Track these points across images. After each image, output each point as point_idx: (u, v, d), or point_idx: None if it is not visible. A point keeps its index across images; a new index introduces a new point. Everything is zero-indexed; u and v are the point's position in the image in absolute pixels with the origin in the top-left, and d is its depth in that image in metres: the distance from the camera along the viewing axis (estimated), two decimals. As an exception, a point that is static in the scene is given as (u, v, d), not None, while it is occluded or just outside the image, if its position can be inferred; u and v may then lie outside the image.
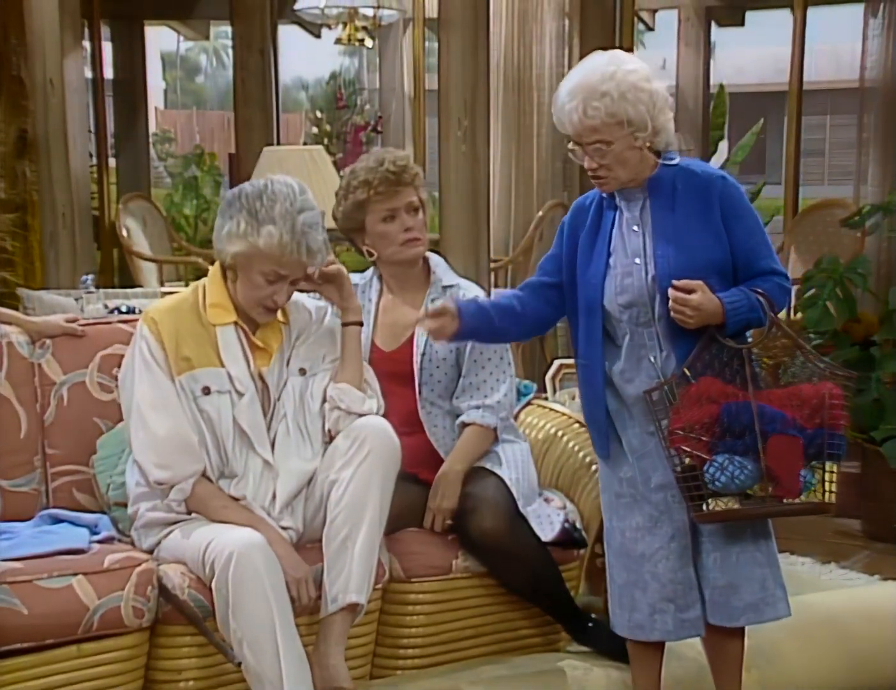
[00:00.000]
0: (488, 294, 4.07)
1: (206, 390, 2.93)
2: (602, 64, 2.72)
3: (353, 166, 3.37)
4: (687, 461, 2.69)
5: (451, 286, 3.34)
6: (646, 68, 2.74)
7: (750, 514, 2.71)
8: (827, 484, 2.68)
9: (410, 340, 3.30)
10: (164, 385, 2.92)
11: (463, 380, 3.29)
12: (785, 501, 2.67)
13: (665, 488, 2.79)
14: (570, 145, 2.77)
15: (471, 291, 3.34)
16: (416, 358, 3.27)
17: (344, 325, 3.09)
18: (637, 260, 2.76)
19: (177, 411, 2.91)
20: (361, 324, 3.12)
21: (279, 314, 3.04)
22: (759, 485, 2.65)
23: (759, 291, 2.72)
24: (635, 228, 2.78)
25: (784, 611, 2.83)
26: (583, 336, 2.84)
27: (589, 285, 2.80)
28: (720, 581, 2.78)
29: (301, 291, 3.07)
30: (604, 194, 2.83)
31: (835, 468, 2.69)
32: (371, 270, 3.43)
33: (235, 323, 2.98)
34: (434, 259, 3.40)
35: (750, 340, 2.79)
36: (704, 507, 2.68)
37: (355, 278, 3.43)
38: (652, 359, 2.75)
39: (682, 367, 2.69)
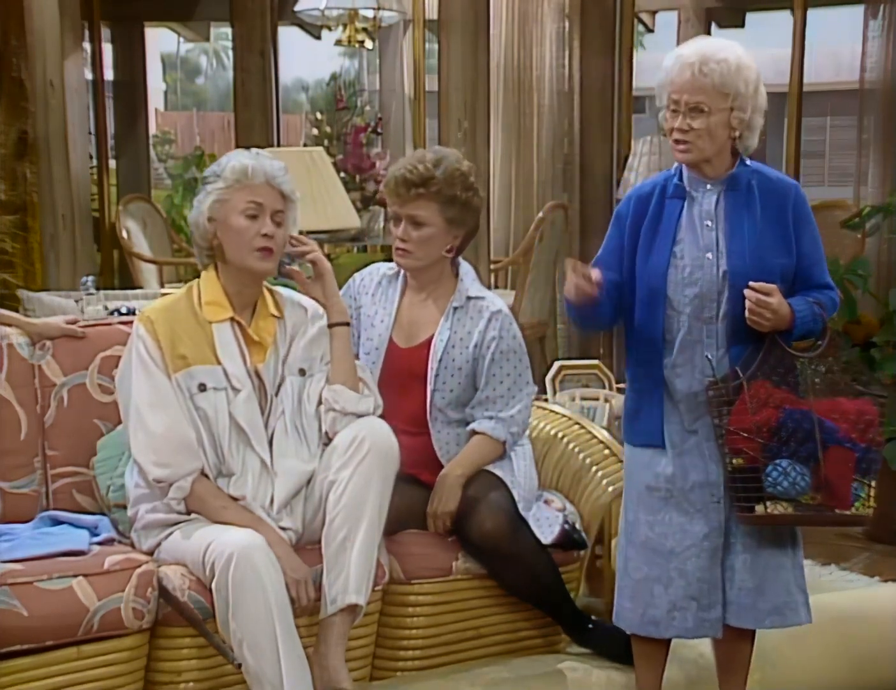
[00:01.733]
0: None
1: (203, 387, 2.93)
2: (723, 41, 2.79)
3: (414, 151, 3.37)
4: (735, 461, 2.70)
5: (475, 297, 3.30)
6: (756, 66, 2.78)
7: (802, 520, 2.75)
8: (871, 499, 2.75)
9: (428, 341, 3.28)
10: (162, 384, 2.92)
11: (479, 393, 3.27)
12: (836, 511, 2.70)
13: (704, 486, 2.79)
14: (665, 105, 2.76)
15: (495, 303, 3.31)
16: (433, 364, 3.25)
17: (329, 326, 3.09)
18: (709, 255, 2.76)
19: (174, 409, 2.91)
20: (348, 324, 3.10)
21: (271, 305, 3.04)
22: (811, 494, 2.68)
23: (819, 302, 2.76)
24: (709, 223, 2.78)
25: (806, 617, 2.86)
26: (641, 326, 2.82)
27: (652, 274, 2.79)
28: (748, 583, 2.79)
29: (288, 286, 3.08)
30: (670, 182, 2.82)
31: (873, 483, 2.75)
32: None
33: (231, 319, 2.99)
34: (464, 267, 3.37)
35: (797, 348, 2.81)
36: (759, 509, 2.69)
37: (383, 267, 3.41)
38: (709, 356, 2.75)
39: (741, 368, 2.70)
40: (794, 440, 2.67)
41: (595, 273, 2.75)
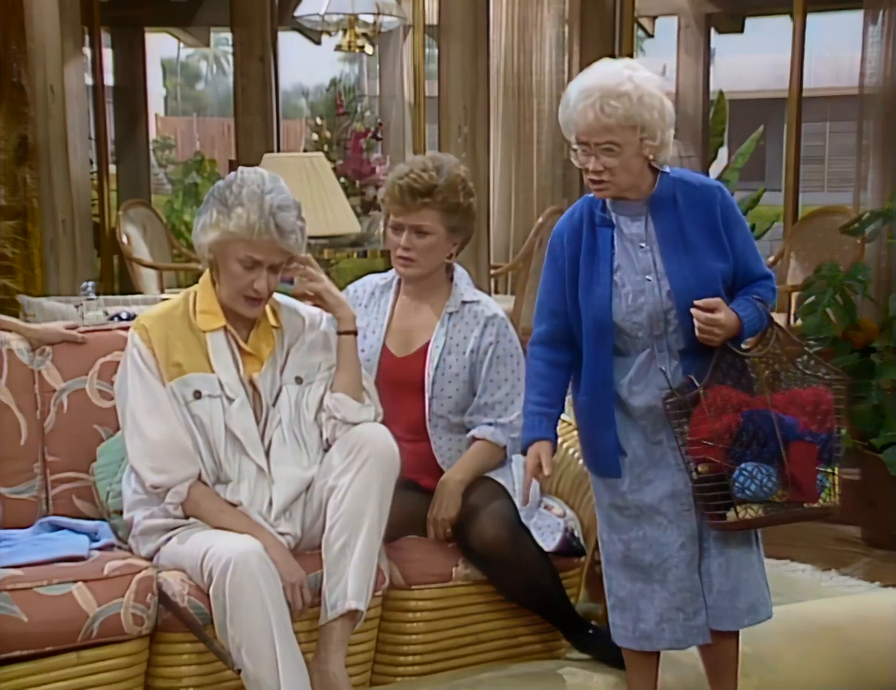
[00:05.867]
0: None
1: (198, 394, 2.93)
2: (618, 67, 2.72)
3: (412, 157, 3.34)
4: (700, 469, 2.69)
5: (470, 302, 3.30)
6: (658, 80, 2.73)
7: (775, 520, 2.74)
8: (836, 487, 2.73)
9: (424, 349, 3.27)
10: (157, 391, 2.92)
11: (478, 399, 3.26)
12: (804, 505, 2.71)
13: (673, 496, 2.78)
14: (574, 145, 2.73)
15: (490, 307, 3.30)
16: (429, 371, 3.25)
17: (339, 334, 3.09)
18: (649, 277, 2.74)
19: (170, 415, 2.91)
20: (356, 333, 3.10)
21: (271, 318, 3.04)
22: (780, 492, 2.68)
23: (759, 298, 2.76)
24: (643, 244, 2.76)
25: (772, 612, 2.86)
26: (591, 358, 2.79)
27: (596, 305, 2.76)
28: (725, 586, 2.79)
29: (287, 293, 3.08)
30: (594, 210, 2.80)
31: (836, 470, 2.74)
32: (394, 271, 3.37)
33: (225, 329, 2.99)
34: (458, 272, 3.35)
35: (745, 347, 2.80)
36: (731, 515, 2.68)
37: (376, 277, 3.41)
38: (663, 369, 2.74)
39: (693, 378, 2.69)
40: (757, 442, 2.66)
41: (548, 465, 2.81)
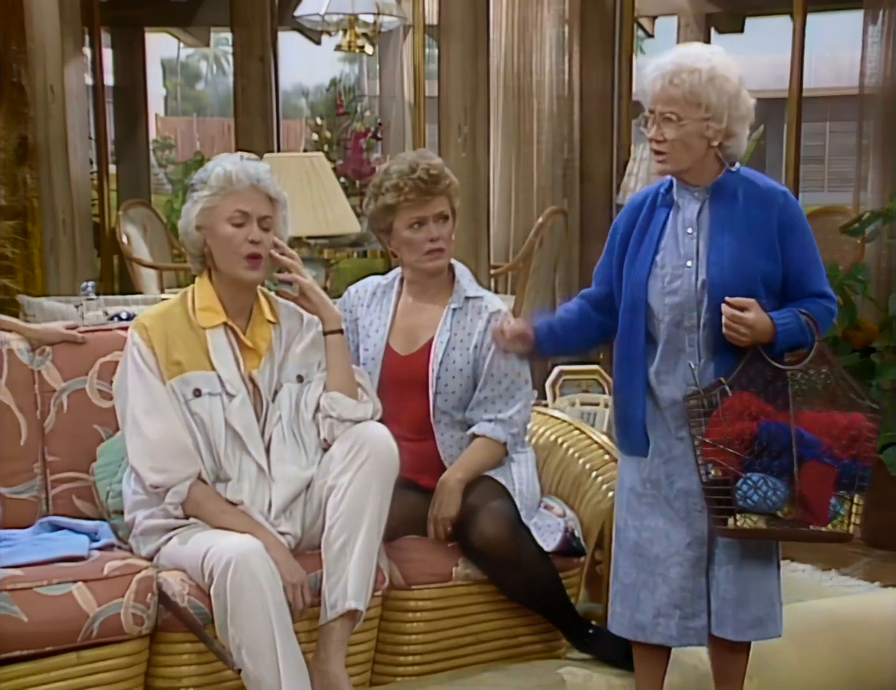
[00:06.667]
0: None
1: (198, 393, 2.94)
2: (702, 49, 2.78)
3: (386, 165, 3.33)
4: (714, 472, 2.68)
5: (473, 298, 3.31)
6: (740, 72, 2.75)
7: (775, 536, 2.72)
8: (854, 516, 2.69)
9: (427, 346, 3.28)
10: (157, 390, 2.92)
11: (478, 394, 3.27)
12: (811, 527, 2.67)
13: (688, 494, 2.79)
14: (645, 113, 2.78)
15: (493, 303, 3.31)
16: (433, 367, 3.25)
17: (324, 334, 3.08)
18: (689, 263, 2.75)
19: (170, 415, 2.91)
20: (342, 331, 3.08)
21: (267, 312, 3.04)
22: (787, 508, 2.65)
23: (808, 314, 2.72)
24: (690, 230, 2.77)
25: (780, 629, 2.84)
26: (625, 334, 2.83)
27: (634, 282, 2.80)
28: (730, 594, 2.78)
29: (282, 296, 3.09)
30: (662, 191, 2.82)
31: (860, 500, 2.69)
32: (396, 270, 3.40)
33: (225, 324, 2.99)
34: (459, 268, 3.37)
35: (786, 360, 2.77)
36: (731, 522, 2.67)
37: (377, 278, 3.42)
38: (692, 366, 2.74)
39: (722, 379, 2.68)
40: (768, 454, 2.63)
41: (522, 332, 2.91)
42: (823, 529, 2.67)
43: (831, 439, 2.65)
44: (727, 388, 2.66)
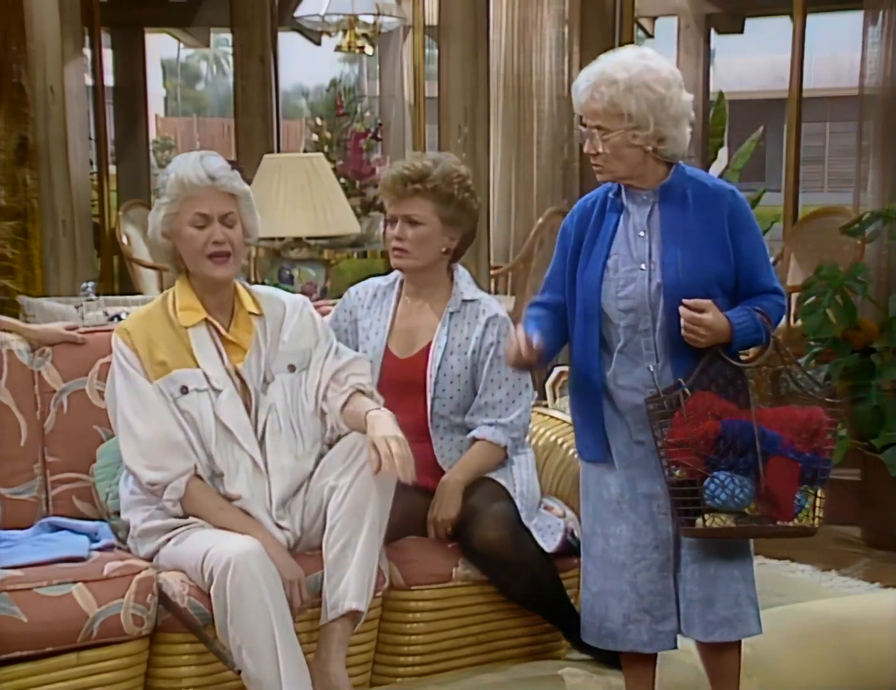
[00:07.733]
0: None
1: (185, 390, 2.94)
2: (627, 56, 2.74)
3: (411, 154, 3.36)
4: (679, 473, 2.67)
5: (471, 301, 3.31)
6: (669, 74, 2.71)
7: (744, 533, 2.71)
8: (818, 509, 2.67)
9: (426, 349, 3.28)
10: (145, 390, 2.93)
11: (478, 399, 3.27)
12: (778, 523, 2.66)
13: (651, 498, 2.78)
14: (577, 124, 2.77)
15: (491, 307, 3.31)
16: (431, 371, 3.25)
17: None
18: (642, 266, 2.74)
19: (160, 412, 2.92)
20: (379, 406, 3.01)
21: (250, 305, 3.04)
22: (754, 504, 2.64)
23: (761, 310, 2.72)
24: (642, 233, 2.76)
25: (756, 629, 2.81)
26: (579, 340, 2.81)
27: (586, 287, 2.78)
28: (697, 595, 2.77)
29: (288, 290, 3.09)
30: (611, 195, 2.81)
31: (823, 494, 2.69)
32: (397, 272, 3.38)
33: (206, 321, 3.00)
34: (459, 271, 3.37)
35: (743, 358, 2.77)
36: (699, 522, 2.66)
37: (378, 279, 3.42)
38: (651, 368, 2.73)
39: (682, 381, 2.67)
40: (734, 452, 2.62)
41: (535, 341, 2.75)
42: (790, 524, 2.66)
43: (792, 434, 2.64)
44: (686, 389, 2.65)
